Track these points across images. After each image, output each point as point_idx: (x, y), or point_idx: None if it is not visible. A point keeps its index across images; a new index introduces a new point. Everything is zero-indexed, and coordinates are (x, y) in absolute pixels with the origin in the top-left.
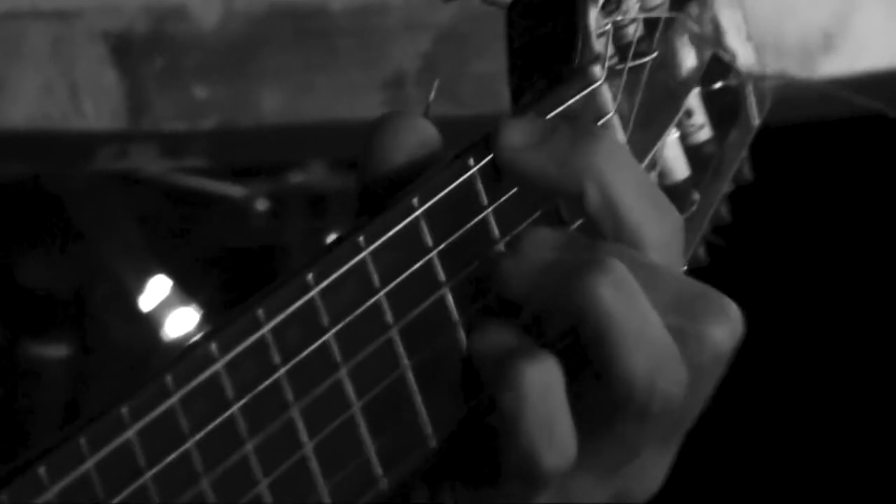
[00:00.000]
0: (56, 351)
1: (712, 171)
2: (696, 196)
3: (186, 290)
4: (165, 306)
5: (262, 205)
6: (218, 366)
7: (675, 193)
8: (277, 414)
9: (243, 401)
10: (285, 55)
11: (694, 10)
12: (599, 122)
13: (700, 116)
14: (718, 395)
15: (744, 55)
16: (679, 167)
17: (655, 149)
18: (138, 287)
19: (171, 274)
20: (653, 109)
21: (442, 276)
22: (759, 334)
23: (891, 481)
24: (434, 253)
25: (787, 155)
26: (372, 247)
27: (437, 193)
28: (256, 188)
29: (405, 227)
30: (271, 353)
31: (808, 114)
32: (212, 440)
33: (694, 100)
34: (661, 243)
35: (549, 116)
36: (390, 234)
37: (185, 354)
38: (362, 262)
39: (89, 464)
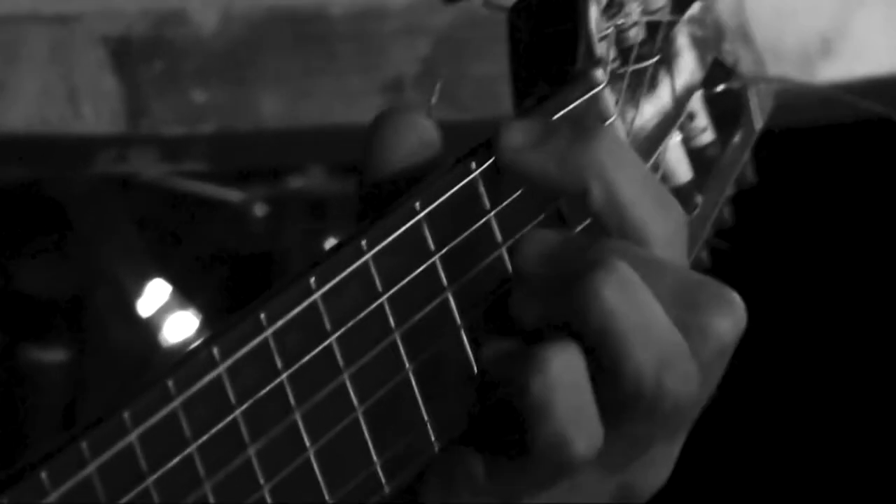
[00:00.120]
0: (55, 355)
1: (715, 174)
2: (699, 199)
3: (185, 294)
4: (164, 310)
5: (260, 209)
6: (220, 370)
7: (678, 196)
8: (280, 418)
9: (245, 405)
10: (284, 59)
11: (696, 13)
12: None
13: (702, 119)
14: (721, 395)
15: (746, 58)
16: (681, 170)
17: (658, 152)
18: (137, 291)
19: (169, 278)
20: (655, 113)
21: (444, 279)
22: (762, 337)
23: (891, 481)
24: (436, 257)
25: (789, 159)
26: (374, 251)
27: (440, 197)
28: (255, 192)
29: (407, 230)
30: (273, 358)
31: (809, 118)
32: (214, 444)
33: (696, 103)
34: (666, 239)
35: (551, 119)
36: (392, 237)
37: (187, 359)
38: (365, 266)
39: (91, 468)
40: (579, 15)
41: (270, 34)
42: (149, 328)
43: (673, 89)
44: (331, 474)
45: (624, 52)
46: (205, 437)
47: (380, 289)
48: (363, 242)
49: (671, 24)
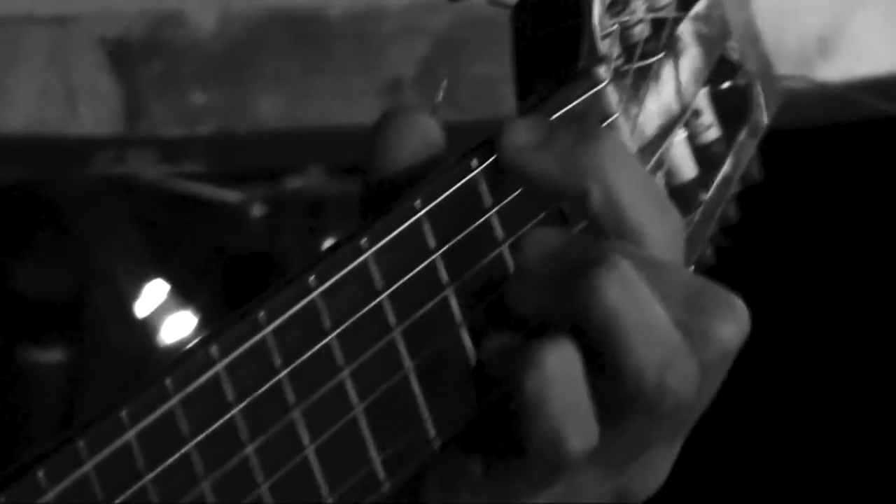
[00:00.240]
0: (53, 356)
1: (720, 171)
2: (704, 196)
3: (183, 294)
4: (162, 311)
5: (259, 210)
6: (218, 368)
7: (683, 193)
8: (279, 416)
9: (244, 403)
10: (283, 60)
11: (701, 9)
12: (605, 123)
13: (708, 116)
14: (724, 395)
15: (752, 55)
16: (687, 167)
17: (662, 149)
18: (135, 292)
19: (168, 278)
20: (660, 109)
21: (445, 277)
22: (766, 337)
23: (891, 481)
24: (437, 254)
25: (792, 159)
26: (374, 248)
27: (440, 195)
28: (253, 193)
29: (407, 228)
30: (272, 356)
31: (808, 118)
32: (212, 443)
33: (702, 100)
34: (664, 243)
35: (554, 117)
36: (392, 235)
37: (186, 357)
38: (364, 264)
39: (88, 467)
40: (583, 12)
41: (269, 35)
42: (147, 328)
43: (678, 86)
44: (329, 472)
45: (628, 50)
46: (202, 436)
47: (379, 287)
48: (363, 240)
49: (676, 21)
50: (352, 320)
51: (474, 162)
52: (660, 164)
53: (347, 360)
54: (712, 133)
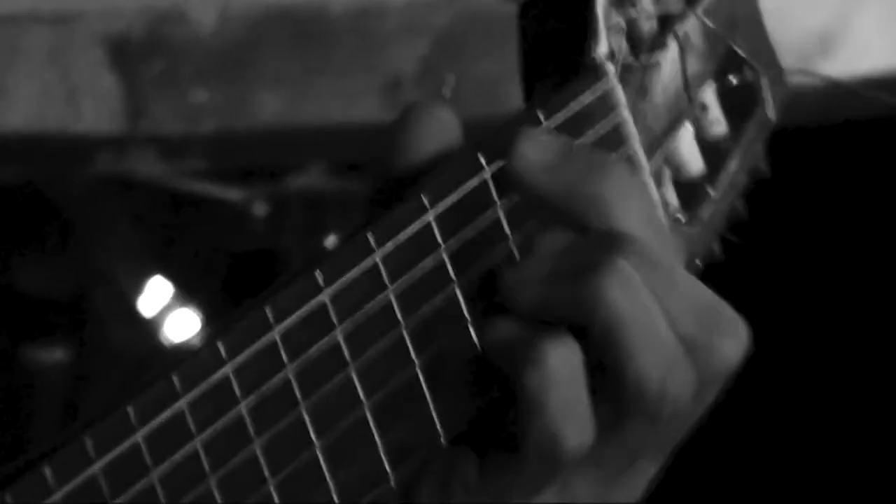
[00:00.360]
0: (55, 355)
1: (727, 166)
2: (712, 191)
3: (185, 293)
4: (164, 309)
5: (260, 208)
6: (225, 364)
7: (690, 189)
8: (286, 412)
9: (251, 399)
10: (283, 59)
11: (708, 4)
12: (611, 119)
13: (715, 111)
14: (729, 395)
15: (759, 50)
16: (694, 162)
17: (669, 144)
18: (137, 290)
19: (170, 277)
20: (667, 104)
21: (452, 272)
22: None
23: (891, 481)
24: (444, 250)
25: (796, 158)
26: (381, 244)
27: (449, 192)
28: (255, 191)
29: (415, 224)
30: (280, 352)
31: (812, 116)
32: (219, 439)
33: (709, 95)
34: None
35: (561, 113)
36: (400, 231)
37: (193, 354)
38: (371, 259)
39: (95, 464)
40: (590, 7)
41: (269, 33)
42: (149, 327)
43: (685, 81)
44: (337, 468)
45: (635, 45)
46: (209, 432)
47: (387, 282)
48: (370, 236)
49: (683, 16)
50: (359, 315)
51: (482, 158)
52: (667, 160)
53: (355, 355)
54: (719, 128)
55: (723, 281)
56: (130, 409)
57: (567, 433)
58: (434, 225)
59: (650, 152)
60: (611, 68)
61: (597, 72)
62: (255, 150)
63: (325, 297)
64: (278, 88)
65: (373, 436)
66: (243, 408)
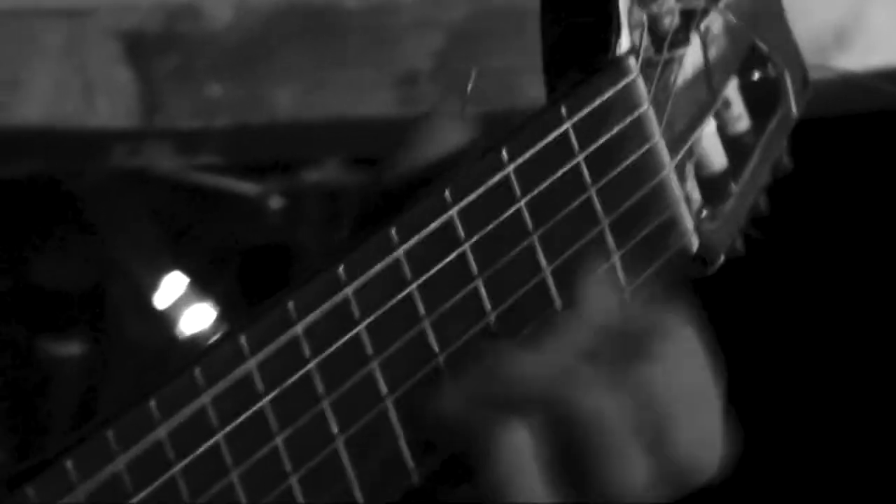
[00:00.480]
0: (72, 348)
1: (750, 162)
2: (734, 187)
3: (201, 287)
4: (181, 303)
5: (276, 202)
6: (248, 359)
7: (713, 184)
8: (308, 407)
9: (273, 394)
10: (298, 53)
11: (731, 0)
12: (634, 115)
13: (738, 107)
14: (741, 391)
15: (782, 46)
16: (717, 158)
17: (692, 140)
18: (153, 284)
19: (186, 271)
20: (690, 100)
21: (475, 268)
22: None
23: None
24: (466, 245)
25: (811, 149)
26: (405, 241)
27: (472, 188)
28: (270, 185)
29: (437, 219)
30: (302, 347)
31: (829, 108)
32: (241, 434)
33: (732, 90)
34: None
35: (583, 108)
36: (422, 226)
37: (216, 348)
38: (394, 255)
39: (118, 458)
40: (612, 3)
41: (284, 28)
42: (165, 321)
43: (708, 77)
44: (359, 462)
45: (658, 40)
46: (232, 426)
47: (409, 277)
48: (392, 231)
49: (706, 11)
50: (381, 311)
51: (505, 154)
52: (690, 155)
53: (377, 350)
54: (742, 124)
55: (745, 275)
56: (153, 404)
57: None
58: (457, 220)
59: (673, 148)
60: (633, 63)
61: (619, 67)
62: (271, 144)
63: (347, 292)
64: (293, 83)
65: (395, 431)
66: (266, 403)
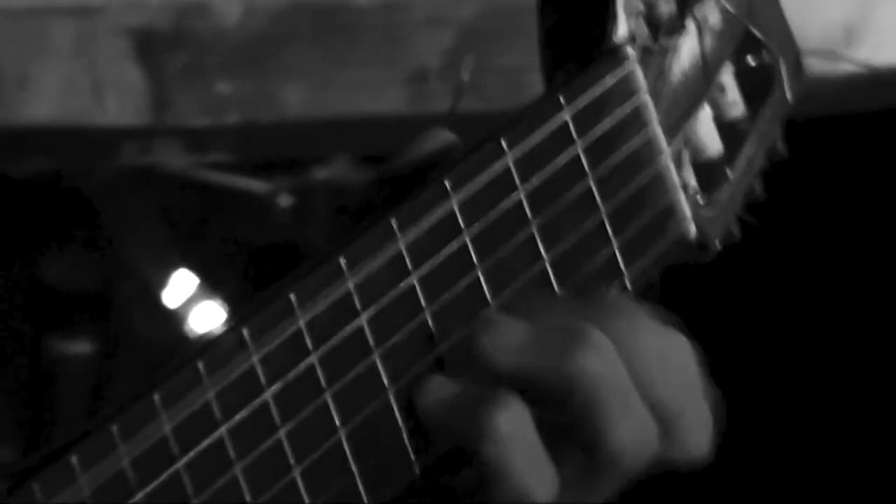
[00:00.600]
0: (80, 347)
1: (745, 147)
2: (730, 173)
3: (210, 285)
4: (190, 301)
5: (285, 200)
6: (251, 352)
7: (709, 170)
8: (311, 400)
9: (276, 386)
10: (308, 50)
11: None
12: (631, 103)
13: (733, 93)
14: (744, 384)
15: (776, 31)
16: (712, 144)
17: (688, 126)
18: (163, 282)
19: (195, 269)
20: (685, 87)
21: (475, 257)
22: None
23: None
24: (467, 235)
25: (812, 148)
26: (405, 231)
27: (472, 177)
28: (280, 183)
29: (437, 209)
30: (305, 339)
31: (831, 107)
32: (245, 427)
33: (727, 76)
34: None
35: (582, 97)
36: (423, 217)
37: (217, 341)
38: (395, 245)
39: (122, 453)
40: None
41: (294, 25)
42: (174, 319)
43: (703, 63)
44: (362, 455)
45: (654, 27)
46: (235, 419)
47: (410, 267)
48: (393, 222)
49: None
50: (383, 301)
51: (504, 144)
52: (686, 142)
53: (379, 341)
54: (737, 109)
55: (744, 264)
56: (156, 398)
57: (534, 491)
58: (457, 210)
59: (670, 135)
60: (631, 52)
61: (617, 55)
62: (280, 142)
63: (349, 283)
64: (303, 80)
65: (397, 423)
66: (268, 395)
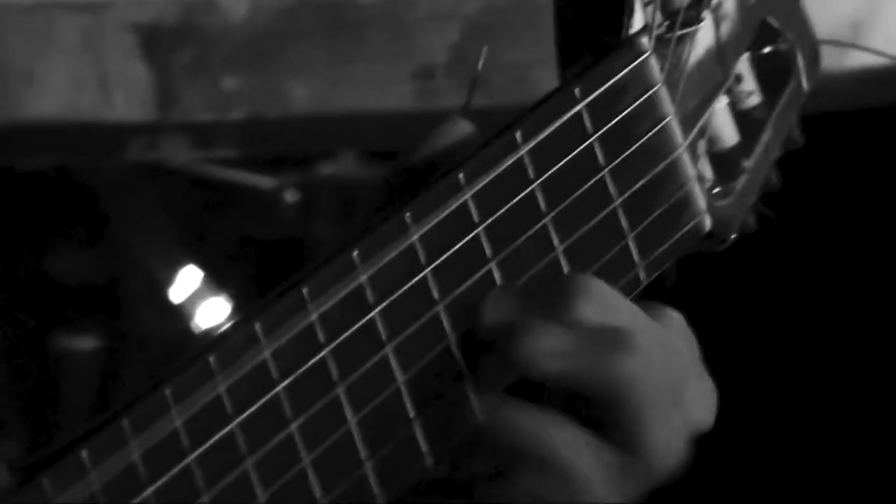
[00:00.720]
0: (87, 342)
1: (762, 137)
2: (747, 163)
3: (216, 280)
4: (196, 297)
5: (291, 195)
6: (262, 346)
7: (725, 161)
8: (323, 393)
9: (288, 380)
10: (314, 46)
11: None
12: (647, 94)
13: (750, 82)
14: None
15: (793, 20)
16: (729, 134)
17: (704, 116)
18: (169, 278)
19: (201, 264)
20: (702, 77)
21: (489, 251)
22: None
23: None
24: (480, 228)
25: (824, 143)
26: (419, 225)
27: (485, 171)
28: (286, 179)
29: (451, 203)
30: (316, 333)
31: (838, 103)
32: (256, 421)
33: (743, 66)
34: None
35: (597, 88)
36: (436, 210)
37: (230, 335)
38: (408, 239)
39: (132, 447)
40: None
41: (300, 21)
42: (181, 315)
43: (720, 52)
44: (373, 446)
45: (670, 17)
46: (247, 414)
47: (423, 261)
48: (407, 215)
49: None
50: (396, 295)
51: (519, 137)
52: (702, 132)
53: (391, 335)
54: (754, 99)
55: (753, 258)
56: (167, 392)
57: (597, 485)
58: (470, 203)
59: (685, 126)
60: (646, 42)
61: (632, 46)
62: (286, 137)
63: (362, 277)
64: (309, 76)
65: (409, 415)
66: (280, 389)
